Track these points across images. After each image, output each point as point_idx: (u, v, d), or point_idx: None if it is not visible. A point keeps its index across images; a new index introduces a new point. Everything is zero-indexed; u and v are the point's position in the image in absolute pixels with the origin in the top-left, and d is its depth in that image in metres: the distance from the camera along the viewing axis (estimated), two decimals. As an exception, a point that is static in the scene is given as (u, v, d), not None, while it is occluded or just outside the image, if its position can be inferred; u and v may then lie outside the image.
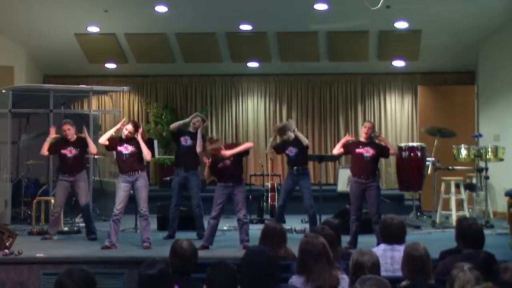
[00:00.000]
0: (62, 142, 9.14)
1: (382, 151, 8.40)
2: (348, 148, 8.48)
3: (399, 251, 5.03)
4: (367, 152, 8.23)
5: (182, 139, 9.09)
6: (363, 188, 8.19)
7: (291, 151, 9.00)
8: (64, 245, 8.26)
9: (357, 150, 8.28)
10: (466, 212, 10.13)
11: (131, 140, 8.27)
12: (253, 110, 14.31)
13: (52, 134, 9.16)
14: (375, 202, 8.18)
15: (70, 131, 9.03)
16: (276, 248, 5.26)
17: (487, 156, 10.01)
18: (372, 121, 13.92)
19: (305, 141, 8.96)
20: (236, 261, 3.97)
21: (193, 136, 9.08)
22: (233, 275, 3.71)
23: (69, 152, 9.01)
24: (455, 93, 13.02)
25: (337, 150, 8.55)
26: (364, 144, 8.32)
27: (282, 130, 9.15)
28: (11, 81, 12.06)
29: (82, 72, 13.70)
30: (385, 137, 13.79)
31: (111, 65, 13.79)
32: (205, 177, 8.78)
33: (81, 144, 9.12)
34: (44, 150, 9.10)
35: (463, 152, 10.19)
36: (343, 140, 8.59)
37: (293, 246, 5.27)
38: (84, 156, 9.34)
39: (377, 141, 8.44)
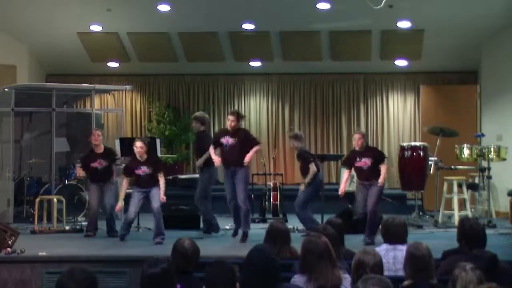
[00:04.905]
0: (90, 155, 9.18)
1: (379, 156, 8.59)
2: (349, 164, 8.66)
3: (401, 250, 5.05)
4: (365, 164, 8.45)
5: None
6: (367, 188, 8.47)
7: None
8: (66, 244, 8.27)
9: (356, 164, 8.51)
10: (468, 212, 10.11)
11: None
12: (255, 109, 14.31)
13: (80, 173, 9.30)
14: (374, 197, 8.36)
15: (100, 137, 9.15)
16: (281, 248, 5.27)
17: (490, 155, 10.00)
18: (375, 120, 13.97)
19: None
20: (237, 260, 3.98)
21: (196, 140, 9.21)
22: (231, 274, 3.71)
23: (99, 164, 9.06)
24: (457, 92, 13.01)
25: (342, 188, 8.67)
26: (360, 155, 8.50)
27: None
28: (13, 80, 12.08)
29: (84, 71, 13.71)
30: (388, 137, 13.84)
31: (113, 64, 13.80)
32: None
33: (109, 155, 9.18)
34: (80, 173, 9.25)
35: (466, 151, 10.18)
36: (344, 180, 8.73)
37: (296, 245, 5.28)
38: (112, 166, 9.25)
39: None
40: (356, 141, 8.52)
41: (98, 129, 9.47)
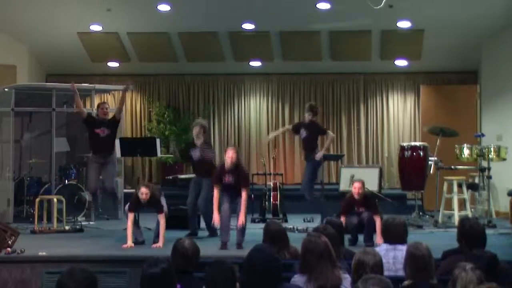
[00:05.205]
0: (96, 121, 9.26)
1: (374, 209, 8.42)
2: (346, 213, 8.45)
3: (401, 250, 5.05)
4: (362, 210, 8.40)
5: (191, 153, 9.17)
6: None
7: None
8: (66, 244, 8.27)
9: (354, 210, 8.45)
10: (468, 212, 10.11)
11: None
12: (255, 109, 14.30)
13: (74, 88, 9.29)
14: (370, 215, 8.29)
15: (107, 111, 9.29)
16: (280, 249, 5.27)
17: (490, 155, 10.00)
18: (375, 120, 13.95)
19: None
20: (237, 260, 3.97)
21: (198, 148, 9.12)
22: (231, 274, 3.71)
23: (102, 132, 9.12)
24: (457, 92, 13.00)
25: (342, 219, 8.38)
26: (358, 205, 8.42)
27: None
28: (13, 79, 12.07)
29: (84, 71, 13.70)
30: (388, 137, 13.83)
31: (113, 64, 13.80)
32: None
33: (112, 122, 9.25)
34: (81, 108, 9.21)
35: (466, 151, 10.18)
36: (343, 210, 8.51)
37: (296, 245, 5.28)
38: (115, 137, 9.38)
39: None
40: (357, 190, 8.34)
41: (106, 103, 9.58)
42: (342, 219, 8.30)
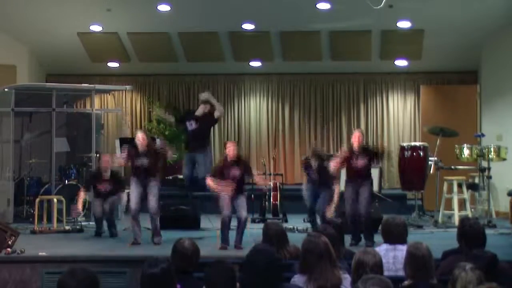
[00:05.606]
0: (97, 178, 9.36)
1: (375, 155, 8.44)
2: (343, 161, 8.46)
3: (401, 250, 5.04)
4: (360, 163, 8.30)
5: (187, 124, 9.04)
6: (357, 188, 8.29)
7: None
8: (66, 244, 8.28)
9: (351, 163, 8.34)
10: (468, 212, 10.11)
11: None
12: (255, 109, 14.30)
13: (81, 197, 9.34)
14: (367, 200, 8.23)
15: (108, 163, 9.31)
16: (279, 249, 5.27)
17: (490, 156, 10.00)
18: (375, 120, 13.95)
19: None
20: (237, 260, 3.98)
21: (198, 118, 9.02)
22: (231, 274, 3.71)
23: (103, 187, 9.21)
24: (457, 92, 13.01)
25: (334, 165, 8.46)
26: (356, 155, 8.33)
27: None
28: (13, 80, 12.08)
29: (84, 71, 13.70)
30: (388, 137, 13.83)
31: (113, 64, 13.79)
32: None
33: (115, 181, 9.30)
34: (80, 208, 9.34)
35: (466, 151, 10.18)
36: (340, 157, 8.49)
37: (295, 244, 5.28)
38: (116, 190, 9.33)
39: None
40: (356, 139, 8.34)
41: (107, 155, 9.68)
42: (334, 165, 8.36)
